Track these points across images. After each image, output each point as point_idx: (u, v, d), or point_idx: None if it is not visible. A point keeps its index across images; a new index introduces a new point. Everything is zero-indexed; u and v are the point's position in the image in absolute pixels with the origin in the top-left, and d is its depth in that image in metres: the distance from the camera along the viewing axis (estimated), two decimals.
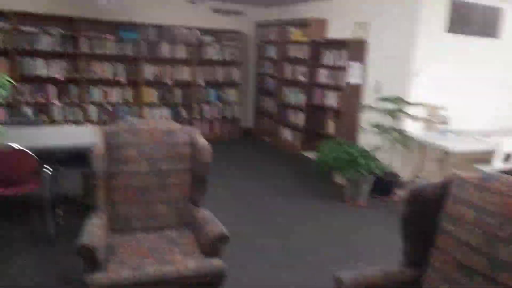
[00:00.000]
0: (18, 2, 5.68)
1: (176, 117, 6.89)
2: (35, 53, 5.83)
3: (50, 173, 3.25)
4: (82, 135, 3.75)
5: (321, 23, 6.05)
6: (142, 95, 6.61)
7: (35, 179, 3.23)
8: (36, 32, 5.72)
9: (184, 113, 7.04)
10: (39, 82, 5.94)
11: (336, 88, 5.64)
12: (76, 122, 6.16)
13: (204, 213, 2.56)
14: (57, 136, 3.67)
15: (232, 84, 7.36)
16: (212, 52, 7.02)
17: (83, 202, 3.95)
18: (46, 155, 3.61)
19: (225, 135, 7.41)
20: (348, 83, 5.33)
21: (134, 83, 6.58)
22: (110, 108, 6.46)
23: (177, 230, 2.58)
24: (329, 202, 4.48)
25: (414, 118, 4.57)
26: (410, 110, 4.59)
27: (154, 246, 2.37)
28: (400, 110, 4.59)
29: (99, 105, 6.37)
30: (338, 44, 5.60)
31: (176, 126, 2.71)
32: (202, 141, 2.61)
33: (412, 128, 4.70)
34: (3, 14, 5.48)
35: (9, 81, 2.03)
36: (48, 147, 3.32)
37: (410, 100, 4.60)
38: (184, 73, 6.89)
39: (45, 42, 5.81)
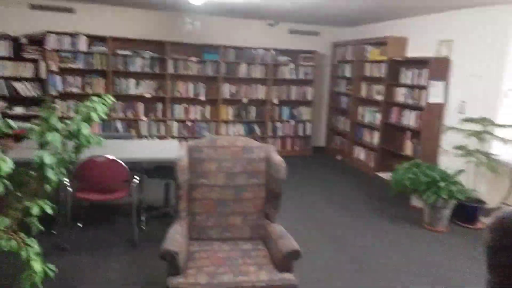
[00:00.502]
0: (116, 29, 6.39)
1: (250, 134, 7.12)
2: (128, 74, 6.47)
3: (138, 182, 3.57)
4: (166, 148, 4.06)
5: (401, 41, 5.92)
6: (219, 112, 6.96)
7: (124, 188, 3.56)
8: (130, 55, 6.36)
9: (257, 130, 7.26)
10: (130, 99, 6.56)
11: (415, 108, 5.43)
12: (159, 137, 6.67)
13: (277, 228, 2.63)
14: (144, 149, 4.02)
15: (305, 102, 7.44)
16: (287, 72, 7.18)
17: (164, 210, 4.25)
18: (135, 166, 3.97)
19: (296, 152, 7.47)
20: (429, 103, 5.10)
21: (213, 101, 6.96)
22: (190, 124, 6.89)
23: (250, 243, 2.68)
24: (406, 225, 4.29)
25: (503, 140, 4.24)
26: (499, 132, 4.26)
27: (228, 256, 2.49)
28: (487, 132, 4.28)
29: (180, 121, 6.84)
30: (419, 63, 5.42)
31: (253, 143, 2.84)
32: (277, 158, 2.69)
33: (501, 151, 4.34)
34: (103, 40, 6.19)
35: (111, 100, 2.31)
36: (136, 158, 3.65)
37: (499, 121, 4.28)
38: (259, 92, 7.13)
39: (138, 64, 6.42)
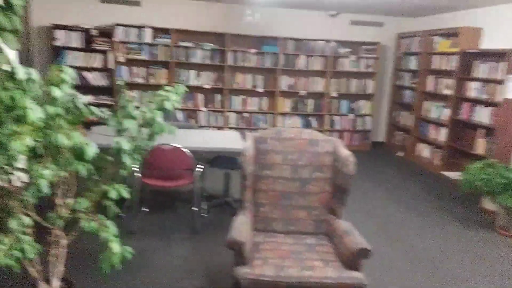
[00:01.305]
0: (180, 22, 6.54)
1: (307, 127, 7.03)
2: (189, 65, 6.62)
3: (200, 171, 3.64)
4: (227, 139, 4.10)
5: (475, 32, 5.50)
6: (276, 105, 6.92)
7: (188, 176, 3.64)
8: (191, 47, 6.49)
9: (314, 123, 7.14)
10: (190, 90, 6.71)
11: (489, 103, 5.04)
12: (217, 127, 6.77)
13: (344, 224, 2.55)
14: (206, 139, 4.08)
15: (365, 96, 7.20)
16: (348, 64, 6.97)
17: (224, 200, 4.31)
18: (197, 155, 4.05)
19: (354, 147, 7.26)
20: (506, 98, 4.71)
21: (270, 93, 6.94)
22: (247, 115, 6.92)
23: (315, 238, 2.62)
24: (477, 229, 4.01)
25: None
26: None
27: (293, 249, 2.45)
28: None
29: (238, 113, 6.89)
30: (495, 55, 5.01)
31: (319, 135, 2.77)
32: (345, 152, 2.61)
33: None
34: (167, 32, 6.37)
35: (183, 90, 2.34)
36: (199, 148, 3.71)
37: None
38: (318, 84, 7.00)
39: (198, 56, 6.54)
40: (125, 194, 2.11)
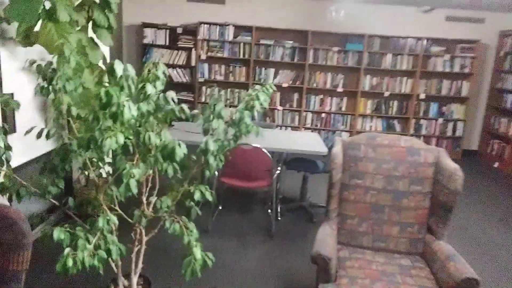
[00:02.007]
0: (262, 19, 6.46)
1: (388, 130, 6.57)
2: (268, 63, 6.52)
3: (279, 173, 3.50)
4: (306, 141, 3.90)
5: None
6: (356, 105, 6.56)
7: (266, 177, 3.52)
8: (272, 44, 6.38)
9: (397, 126, 6.66)
10: None
11: None
12: (293, 127, 6.60)
13: (445, 247, 2.24)
14: (285, 140, 3.92)
15: (459, 99, 6.54)
16: (440, 63, 6.38)
17: (299, 204, 4.13)
18: (274, 156, 3.92)
19: None
20: None
21: (351, 93, 6.60)
22: (324, 116, 6.65)
23: (409, 259, 2.34)
24: None
25: None
26: None
27: (384, 270, 2.20)
28: None
29: (315, 113, 6.65)
30: None
31: (419, 144, 2.47)
32: (451, 164, 2.28)
33: None
34: (249, 30, 6.33)
35: (273, 89, 2.20)
36: (279, 149, 3.57)
37: None
38: (404, 85, 6.50)
39: (278, 54, 6.42)
40: (209, 196, 2.03)
